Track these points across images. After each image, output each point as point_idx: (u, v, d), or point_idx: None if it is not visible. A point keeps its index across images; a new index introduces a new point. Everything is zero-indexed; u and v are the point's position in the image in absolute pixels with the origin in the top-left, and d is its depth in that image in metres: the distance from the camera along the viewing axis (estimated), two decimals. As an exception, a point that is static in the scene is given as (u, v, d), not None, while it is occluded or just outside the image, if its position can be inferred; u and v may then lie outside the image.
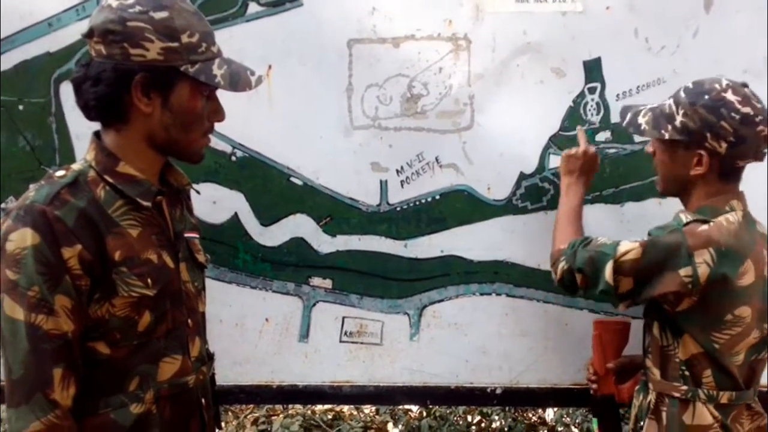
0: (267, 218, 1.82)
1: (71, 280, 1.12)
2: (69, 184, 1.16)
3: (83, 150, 1.75)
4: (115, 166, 1.21)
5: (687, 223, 1.41)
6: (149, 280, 1.20)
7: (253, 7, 1.74)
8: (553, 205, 1.78)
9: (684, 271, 1.37)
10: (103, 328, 1.17)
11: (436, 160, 1.79)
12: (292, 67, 1.76)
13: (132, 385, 1.20)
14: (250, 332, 1.86)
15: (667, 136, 1.42)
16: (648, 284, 1.41)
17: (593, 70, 1.73)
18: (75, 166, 1.22)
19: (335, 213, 1.82)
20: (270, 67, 1.76)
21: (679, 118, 1.41)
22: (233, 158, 1.80)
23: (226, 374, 1.86)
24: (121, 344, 1.19)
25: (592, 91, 1.74)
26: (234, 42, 1.72)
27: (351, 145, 1.79)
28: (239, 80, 1.24)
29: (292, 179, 1.81)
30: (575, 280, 1.50)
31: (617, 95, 1.74)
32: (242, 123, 1.78)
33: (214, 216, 1.82)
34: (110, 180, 1.20)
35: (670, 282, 1.38)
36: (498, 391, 1.85)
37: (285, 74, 1.76)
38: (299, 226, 1.82)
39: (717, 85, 1.40)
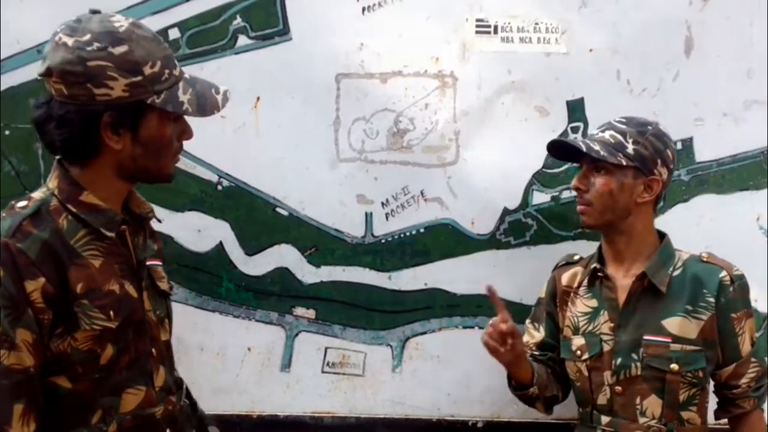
0: (251, 248, 1.83)
1: (33, 313, 1.09)
2: (31, 215, 1.13)
3: (69, 177, 1.79)
4: (79, 195, 1.18)
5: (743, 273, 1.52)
6: (111, 312, 1.17)
7: (242, 40, 1.76)
8: (536, 240, 1.80)
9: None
10: (64, 363, 1.13)
11: (421, 193, 1.81)
12: (280, 99, 1.78)
13: (95, 418, 1.17)
14: (232, 361, 1.85)
15: (624, 163, 1.48)
16: None
17: (576, 109, 1.77)
18: (36, 195, 1.19)
19: (320, 244, 1.82)
20: (258, 98, 1.78)
21: (630, 146, 1.48)
22: (219, 187, 1.81)
23: (206, 403, 1.82)
24: (83, 378, 1.15)
25: (575, 130, 1.77)
26: (223, 73, 1.74)
27: (337, 177, 1.80)
28: (206, 103, 1.22)
29: (277, 209, 1.82)
30: None
31: (600, 135, 1.77)
32: (229, 153, 1.79)
33: (199, 244, 1.82)
34: (73, 209, 1.17)
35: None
36: (480, 425, 1.85)
37: (273, 106, 1.78)
38: (284, 256, 1.83)
39: (649, 119, 1.55)
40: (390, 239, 1.82)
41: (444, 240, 1.82)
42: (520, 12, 1.75)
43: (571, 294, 1.62)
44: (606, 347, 1.53)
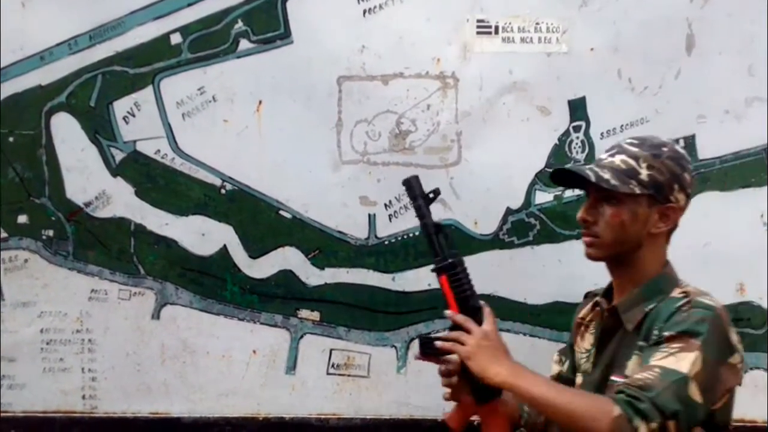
0: (255, 251, 1.83)
1: None
2: None
3: (73, 182, 1.80)
4: None
5: (710, 305, 1.22)
6: None
7: (244, 44, 1.77)
8: (539, 240, 1.80)
9: (734, 359, 1.22)
10: None
11: (424, 194, 1.81)
12: (283, 102, 1.78)
13: None
14: (237, 364, 1.86)
15: (637, 191, 1.27)
16: (711, 390, 1.19)
17: (578, 108, 1.77)
18: None
19: (324, 246, 1.83)
20: (260, 102, 1.78)
21: (644, 172, 1.28)
22: (223, 191, 1.82)
23: (212, 406, 1.86)
24: None
25: (577, 129, 1.78)
26: (225, 78, 1.75)
27: (340, 180, 1.81)
28: None
29: (281, 212, 1.82)
30: None
31: (602, 134, 1.77)
32: (232, 157, 1.80)
33: (203, 248, 1.83)
34: None
35: (731, 377, 1.22)
36: (484, 425, 1.86)
37: (275, 110, 1.78)
38: (288, 258, 1.83)
39: (664, 139, 1.34)
40: (393, 240, 1.82)
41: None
42: (520, 12, 1.75)
43: (582, 327, 1.45)
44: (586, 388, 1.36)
